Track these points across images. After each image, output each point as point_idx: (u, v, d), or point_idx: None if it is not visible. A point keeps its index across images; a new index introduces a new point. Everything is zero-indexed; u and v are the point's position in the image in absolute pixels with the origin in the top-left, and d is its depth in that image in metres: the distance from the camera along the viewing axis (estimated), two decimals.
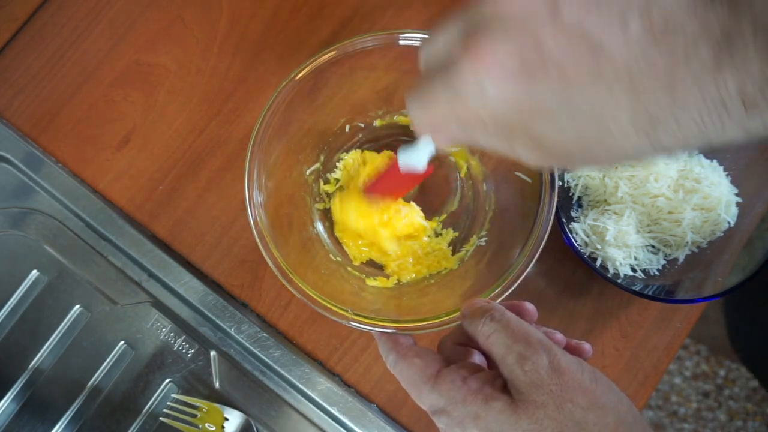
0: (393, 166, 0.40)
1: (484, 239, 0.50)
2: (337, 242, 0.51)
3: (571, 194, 0.52)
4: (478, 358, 0.37)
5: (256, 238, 0.43)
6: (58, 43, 0.57)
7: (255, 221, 0.43)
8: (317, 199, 0.52)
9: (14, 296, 0.53)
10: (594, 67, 0.23)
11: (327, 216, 0.52)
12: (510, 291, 0.42)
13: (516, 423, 0.29)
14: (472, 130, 0.27)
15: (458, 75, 0.25)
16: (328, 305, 0.42)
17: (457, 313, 0.41)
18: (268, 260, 0.42)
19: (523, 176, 0.48)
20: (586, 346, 0.36)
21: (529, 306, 0.37)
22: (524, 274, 0.42)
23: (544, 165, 0.28)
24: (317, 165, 0.52)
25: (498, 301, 0.42)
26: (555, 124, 0.25)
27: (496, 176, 0.51)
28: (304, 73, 0.45)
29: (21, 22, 0.58)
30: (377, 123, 0.53)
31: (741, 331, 0.87)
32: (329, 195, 0.52)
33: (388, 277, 0.50)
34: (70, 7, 0.58)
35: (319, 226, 0.52)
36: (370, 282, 0.50)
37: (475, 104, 0.26)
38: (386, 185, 0.44)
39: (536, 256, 0.42)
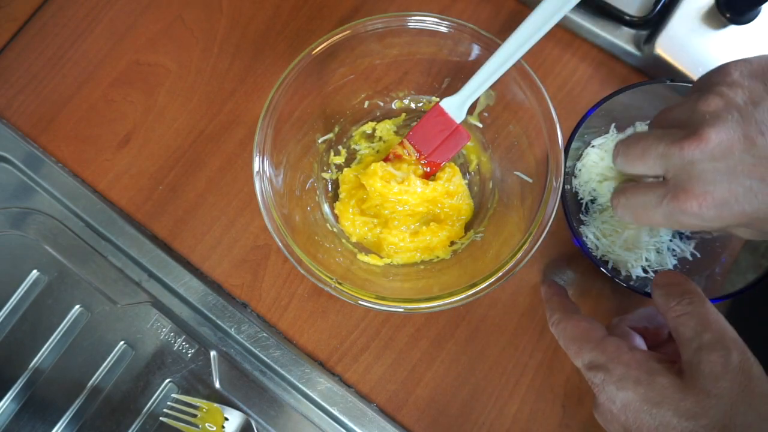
0: (438, 117, 0.47)
1: (480, 235, 0.50)
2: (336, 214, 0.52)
3: (579, 199, 0.52)
4: (638, 341, 0.38)
5: (256, 185, 0.43)
6: (58, 43, 0.58)
7: (260, 173, 0.44)
8: (325, 168, 0.53)
9: (14, 296, 0.53)
10: None
11: (331, 186, 0.53)
12: (494, 287, 0.42)
13: (680, 401, 0.29)
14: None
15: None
16: (314, 269, 0.42)
17: (438, 301, 0.41)
18: (261, 202, 0.43)
19: (524, 177, 0.48)
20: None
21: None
22: (513, 273, 0.42)
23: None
24: (330, 135, 0.52)
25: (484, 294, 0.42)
26: None
27: (504, 175, 0.51)
28: (322, 48, 0.46)
29: (21, 22, 0.58)
30: (396, 105, 0.54)
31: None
32: (337, 166, 0.53)
33: (381, 256, 0.50)
34: (70, 8, 0.58)
35: (322, 195, 0.52)
36: (362, 257, 0.50)
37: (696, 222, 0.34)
38: (432, 138, 0.48)
39: (528, 257, 0.42)
